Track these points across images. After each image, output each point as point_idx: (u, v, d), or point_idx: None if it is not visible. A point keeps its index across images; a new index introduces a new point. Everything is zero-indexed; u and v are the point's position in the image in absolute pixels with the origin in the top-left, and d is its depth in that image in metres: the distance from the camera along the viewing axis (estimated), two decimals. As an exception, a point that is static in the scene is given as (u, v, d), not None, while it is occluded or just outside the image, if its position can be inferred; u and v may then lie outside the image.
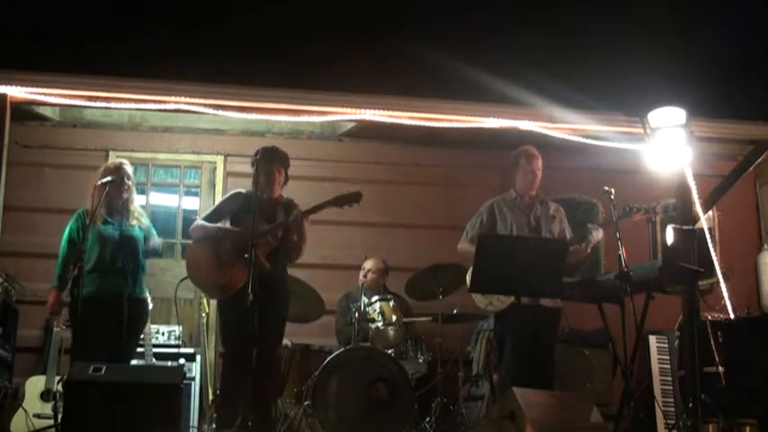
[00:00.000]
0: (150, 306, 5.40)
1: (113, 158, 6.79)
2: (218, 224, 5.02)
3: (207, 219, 5.07)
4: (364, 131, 6.95)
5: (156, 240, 5.40)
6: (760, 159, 6.56)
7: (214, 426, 5.10)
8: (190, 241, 7.00)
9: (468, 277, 5.16)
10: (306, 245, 5.01)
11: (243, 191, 5.11)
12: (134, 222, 5.29)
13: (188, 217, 7.17)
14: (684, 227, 4.95)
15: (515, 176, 5.33)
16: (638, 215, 5.04)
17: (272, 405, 5.04)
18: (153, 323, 5.74)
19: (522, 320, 4.78)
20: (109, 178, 5.17)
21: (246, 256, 4.56)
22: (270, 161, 4.98)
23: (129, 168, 5.34)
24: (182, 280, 5.44)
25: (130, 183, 5.31)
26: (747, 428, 4.83)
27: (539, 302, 4.94)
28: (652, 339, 5.63)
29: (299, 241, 4.97)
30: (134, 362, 5.38)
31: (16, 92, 5.56)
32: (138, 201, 5.48)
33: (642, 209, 5.04)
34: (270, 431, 4.93)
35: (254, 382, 4.48)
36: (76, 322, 4.99)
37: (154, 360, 5.75)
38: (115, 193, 5.22)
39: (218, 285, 4.85)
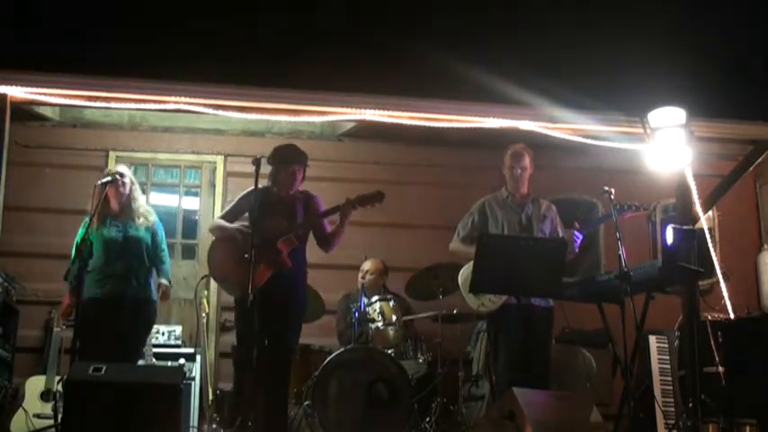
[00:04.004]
0: (158, 309, 5.39)
1: (112, 160, 6.85)
2: (237, 224, 4.99)
3: (224, 217, 5.05)
4: (364, 131, 6.96)
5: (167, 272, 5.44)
6: (760, 159, 6.56)
7: (214, 426, 5.10)
8: (192, 241, 7.08)
9: (459, 277, 5.17)
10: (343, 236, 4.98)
11: (260, 187, 5.10)
12: (141, 221, 5.29)
13: (188, 217, 7.18)
14: (684, 227, 4.94)
15: (505, 175, 5.33)
16: (631, 213, 5.05)
17: (284, 403, 4.99)
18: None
19: (515, 321, 4.78)
20: (108, 179, 5.19)
21: (246, 258, 4.56)
22: (291, 160, 4.97)
23: (125, 170, 5.37)
24: (202, 278, 5.64)
25: (127, 180, 5.31)
26: (747, 428, 4.83)
27: (530, 302, 4.94)
28: (652, 339, 5.63)
29: (337, 230, 4.94)
30: (134, 362, 5.39)
31: (16, 92, 5.56)
32: (142, 199, 5.48)
33: (634, 206, 5.04)
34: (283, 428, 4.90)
35: (264, 381, 4.48)
36: (79, 324, 4.99)
37: (154, 360, 5.75)
38: (115, 194, 5.23)
39: (237, 285, 4.81)
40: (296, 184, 5.00)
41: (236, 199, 5.15)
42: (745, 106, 6.42)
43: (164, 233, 5.50)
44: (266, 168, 4.95)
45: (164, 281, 5.36)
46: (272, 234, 4.70)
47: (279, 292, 4.65)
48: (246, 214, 5.01)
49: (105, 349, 4.88)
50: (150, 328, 5.45)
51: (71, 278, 4.94)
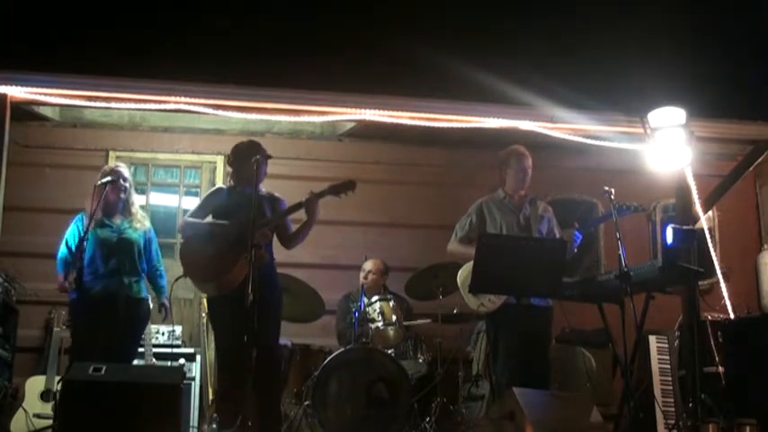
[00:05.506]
0: (151, 306, 5.40)
1: (112, 160, 6.85)
2: (208, 220, 5.00)
3: (194, 216, 5.04)
4: (364, 131, 6.96)
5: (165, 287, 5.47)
6: (760, 159, 6.57)
7: (214, 426, 5.10)
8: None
9: (459, 277, 5.16)
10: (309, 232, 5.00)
11: (223, 186, 5.15)
12: (137, 225, 5.32)
13: (188, 217, 7.18)
14: (684, 227, 4.94)
15: (504, 176, 5.33)
16: (630, 213, 5.06)
17: (278, 402, 5.01)
18: (153, 323, 5.74)
19: (515, 320, 4.78)
20: (108, 178, 5.20)
21: (247, 255, 4.55)
22: (253, 153, 4.94)
23: (125, 171, 5.37)
24: (177, 279, 5.39)
25: (127, 184, 5.33)
26: (747, 428, 4.84)
27: (530, 302, 4.94)
28: (652, 339, 5.63)
29: (305, 227, 4.96)
30: (134, 362, 5.38)
31: (16, 92, 5.57)
32: (138, 202, 5.51)
33: (633, 206, 5.05)
34: (278, 428, 4.91)
35: (257, 381, 4.48)
36: (75, 323, 5.00)
37: (154, 360, 5.75)
38: (112, 195, 5.24)
39: (216, 282, 4.83)
40: (260, 178, 4.99)
41: (202, 198, 5.16)
42: (745, 106, 6.42)
43: (158, 245, 5.51)
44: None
45: (165, 301, 5.41)
46: (246, 229, 4.66)
47: (260, 287, 4.61)
48: (212, 213, 5.03)
49: (102, 348, 4.88)
50: (145, 325, 5.47)
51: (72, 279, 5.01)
